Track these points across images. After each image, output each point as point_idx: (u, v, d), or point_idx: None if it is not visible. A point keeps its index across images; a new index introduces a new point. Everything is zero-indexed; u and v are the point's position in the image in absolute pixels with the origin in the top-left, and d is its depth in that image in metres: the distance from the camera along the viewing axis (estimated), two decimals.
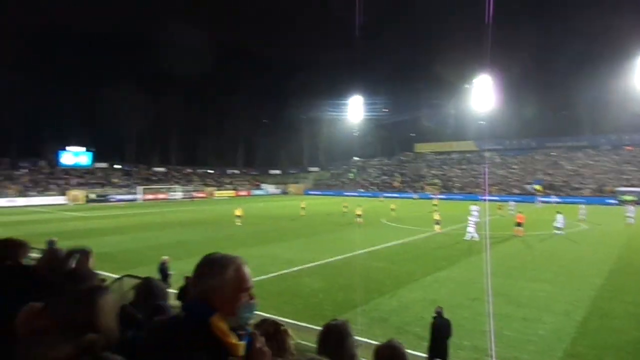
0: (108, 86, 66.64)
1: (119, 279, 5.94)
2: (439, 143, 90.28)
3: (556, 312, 12.12)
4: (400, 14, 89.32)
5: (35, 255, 3.52)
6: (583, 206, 37.13)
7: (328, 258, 19.46)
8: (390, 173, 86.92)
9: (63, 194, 60.39)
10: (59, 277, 2.27)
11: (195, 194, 73.67)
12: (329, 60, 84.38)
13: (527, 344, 9.83)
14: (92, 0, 79.37)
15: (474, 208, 27.90)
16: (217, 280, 1.54)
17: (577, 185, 63.00)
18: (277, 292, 13.86)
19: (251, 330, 1.60)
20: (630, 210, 34.07)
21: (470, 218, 26.26)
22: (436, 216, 29.14)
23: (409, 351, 2.97)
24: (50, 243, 14.07)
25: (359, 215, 33.09)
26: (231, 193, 79.95)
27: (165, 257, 13.72)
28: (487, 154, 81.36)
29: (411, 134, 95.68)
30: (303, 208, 40.77)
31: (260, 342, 1.57)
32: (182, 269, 9.94)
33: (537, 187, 63.97)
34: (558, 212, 27.99)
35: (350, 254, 20.07)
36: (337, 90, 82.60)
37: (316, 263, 18.54)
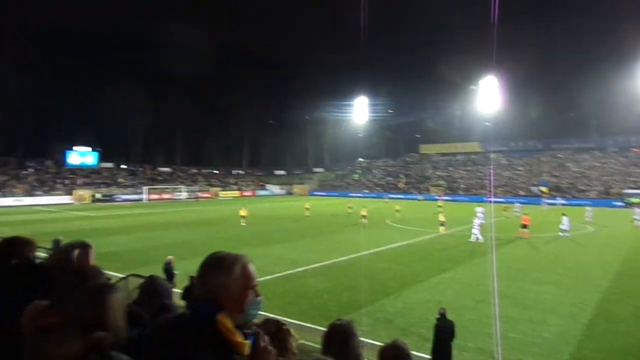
0: (114, 86, 66.99)
1: (124, 278, 5.96)
2: (444, 144, 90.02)
3: (562, 314, 12.05)
4: (405, 14, 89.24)
5: (40, 254, 3.54)
6: (589, 208, 36.89)
7: (333, 259, 19.45)
8: (395, 174, 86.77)
9: (69, 194, 60.77)
10: (66, 275, 2.28)
11: (200, 194, 73.88)
12: (334, 61, 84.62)
13: (532, 347, 9.77)
14: (98, 1, 79.78)
15: (479, 210, 27.86)
16: (224, 279, 1.54)
17: (583, 188, 62.58)
18: (281, 292, 13.87)
19: (256, 330, 1.60)
20: (637, 212, 33.76)
21: (475, 220, 26.17)
22: (441, 217, 29.05)
23: (413, 353, 2.96)
24: (56, 242, 14.17)
25: (363, 216, 33.04)
26: (236, 193, 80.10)
27: (170, 257, 13.76)
28: (492, 156, 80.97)
29: (416, 135, 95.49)
30: (308, 209, 40.78)
31: (265, 341, 1.57)
32: (187, 269, 9.96)
33: (543, 188, 63.63)
34: (563, 214, 27.85)
35: (355, 255, 20.04)
36: (342, 91, 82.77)
37: (321, 264, 18.53)
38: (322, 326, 5.67)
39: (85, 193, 61.67)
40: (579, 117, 79.06)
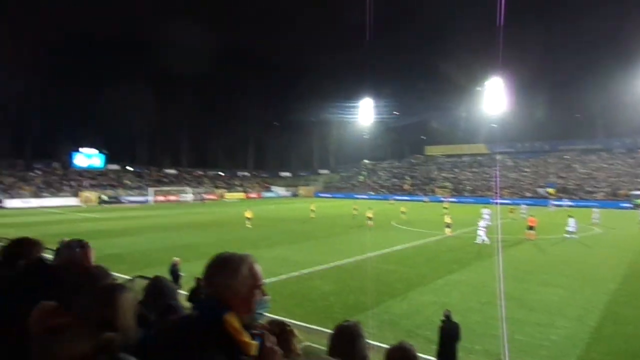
0: (120, 89, 67.39)
1: (130, 280, 5.98)
2: (449, 146, 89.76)
3: (569, 317, 11.96)
4: (411, 15, 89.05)
5: (47, 256, 3.56)
6: (596, 210, 36.63)
7: (339, 261, 19.41)
8: (400, 176, 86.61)
9: (76, 195, 61.14)
10: (75, 276, 2.29)
11: (205, 196, 74.04)
12: (340, 62, 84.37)
13: (539, 349, 9.71)
14: (105, 3, 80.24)
15: (485, 211, 27.70)
16: (231, 279, 1.54)
17: (590, 189, 62.17)
18: (287, 294, 13.86)
19: (262, 330, 1.60)
20: None
21: (480, 221, 26.05)
22: (447, 219, 28.95)
23: (419, 355, 2.95)
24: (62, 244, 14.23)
25: (369, 218, 32.99)
26: (241, 195, 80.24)
27: (176, 259, 13.79)
28: (498, 157, 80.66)
29: (422, 137, 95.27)
30: (313, 210, 40.77)
31: (271, 342, 1.57)
32: (192, 271, 9.95)
33: (550, 190, 63.27)
34: (570, 216, 27.69)
35: (361, 257, 20.00)
36: (348, 92, 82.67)
37: (327, 265, 18.51)
38: (328, 328, 5.66)
39: (91, 195, 62.01)
40: (585, 118, 78.66)
